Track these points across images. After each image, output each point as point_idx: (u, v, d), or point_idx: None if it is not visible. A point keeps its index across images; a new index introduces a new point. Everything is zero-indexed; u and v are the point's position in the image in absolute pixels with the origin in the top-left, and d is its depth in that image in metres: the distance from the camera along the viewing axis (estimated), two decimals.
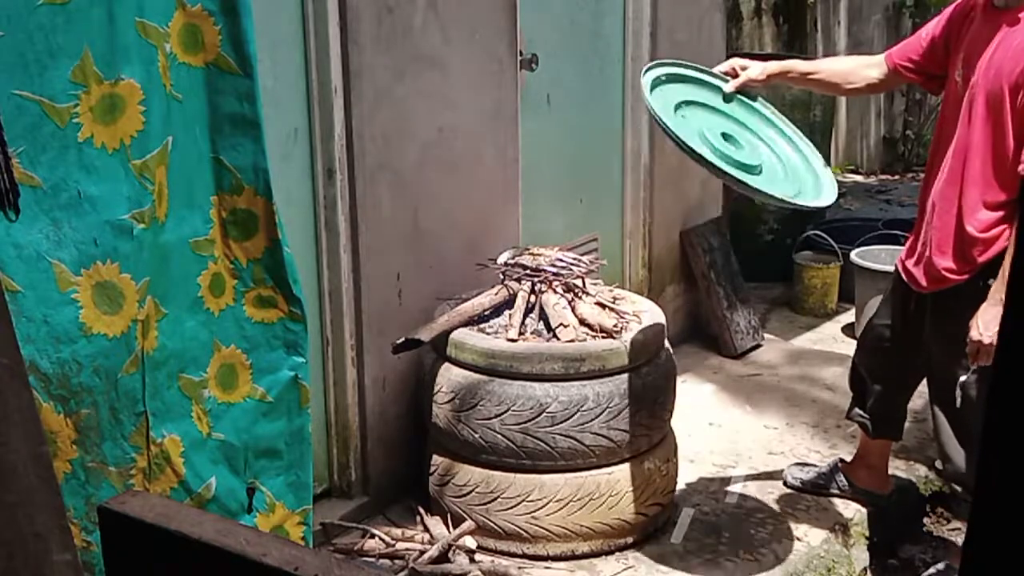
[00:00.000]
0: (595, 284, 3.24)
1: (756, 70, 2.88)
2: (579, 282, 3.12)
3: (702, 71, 2.93)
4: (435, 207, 3.23)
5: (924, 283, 2.75)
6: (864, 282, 4.62)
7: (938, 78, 2.80)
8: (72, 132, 1.91)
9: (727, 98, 2.89)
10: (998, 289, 2.52)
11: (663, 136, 2.76)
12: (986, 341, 2.52)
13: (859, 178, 8.09)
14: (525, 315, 3.00)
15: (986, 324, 2.52)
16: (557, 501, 2.88)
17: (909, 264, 2.82)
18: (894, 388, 3.10)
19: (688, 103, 2.82)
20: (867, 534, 3.23)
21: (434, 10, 3.09)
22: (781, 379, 4.30)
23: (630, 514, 2.96)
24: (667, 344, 3.14)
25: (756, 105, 2.93)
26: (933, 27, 2.82)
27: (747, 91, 2.90)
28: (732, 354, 4.49)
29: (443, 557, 2.78)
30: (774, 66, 2.93)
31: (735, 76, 2.88)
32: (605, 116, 4.14)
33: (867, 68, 2.96)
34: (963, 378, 2.68)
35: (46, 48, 1.86)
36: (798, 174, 2.79)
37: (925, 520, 3.48)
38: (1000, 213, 2.57)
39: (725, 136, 2.74)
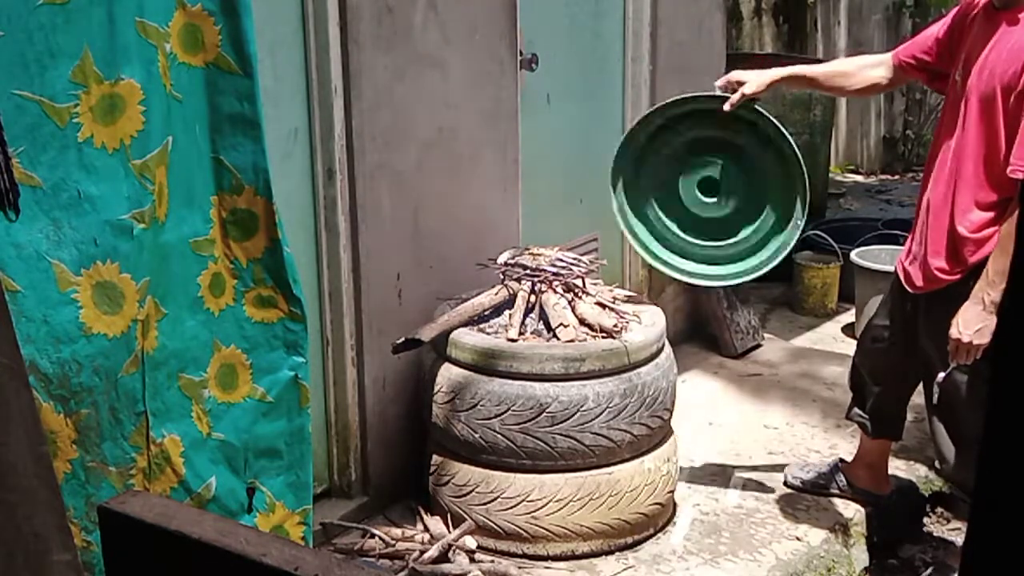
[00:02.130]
0: (595, 284, 3.24)
1: (752, 85, 2.88)
2: (579, 282, 3.12)
3: (698, 98, 3.03)
4: (435, 207, 3.23)
5: (919, 283, 2.76)
6: (864, 282, 4.62)
7: (943, 77, 2.80)
8: (72, 132, 1.91)
9: (726, 115, 2.92)
10: (980, 289, 2.53)
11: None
12: (965, 339, 2.53)
13: (859, 178, 8.09)
14: (525, 315, 3.00)
15: (966, 323, 2.53)
16: (557, 501, 2.88)
17: (907, 264, 2.83)
18: (893, 388, 3.10)
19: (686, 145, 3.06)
20: (867, 534, 3.23)
21: (434, 10, 3.09)
22: (781, 379, 4.30)
23: (630, 514, 2.96)
24: (667, 344, 3.14)
25: (759, 123, 2.96)
26: (939, 26, 2.82)
27: (748, 103, 2.92)
28: (732, 354, 4.49)
29: (443, 557, 2.78)
30: (775, 74, 2.94)
31: (733, 91, 2.90)
32: (605, 116, 4.14)
33: (873, 68, 2.97)
34: (940, 376, 2.69)
35: (46, 48, 1.86)
36: (771, 206, 3.02)
37: (925, 520, 3.48)
38: (992, 214, 2.58)
39: (704, 181, 3.05)
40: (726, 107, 2.89)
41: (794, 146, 2.92)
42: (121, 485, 2.08)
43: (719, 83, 2.97)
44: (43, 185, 1.90)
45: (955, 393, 2.72)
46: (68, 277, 1.94)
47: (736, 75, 2.92)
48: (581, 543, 2.94)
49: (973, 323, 2.52)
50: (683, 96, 3.07)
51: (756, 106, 2.94)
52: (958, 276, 2.64)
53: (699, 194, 3.09)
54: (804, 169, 2.92)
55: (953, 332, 2.56)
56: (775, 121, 2.95)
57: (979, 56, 2.57)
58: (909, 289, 2.81)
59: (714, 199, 3.07)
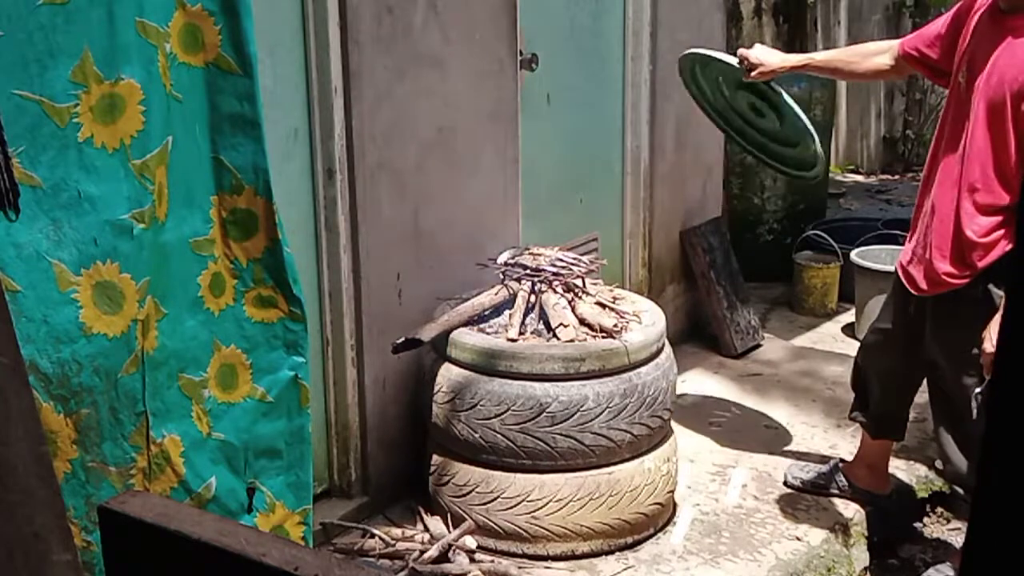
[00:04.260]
0: (595, 284, 3.24)
1: (772, 68, 3.04)
2: (579, 282, 3.12)
3: (722, 57, 3.22)
4: (435, 207, 3.23)
5: (924, 286, 2.74)
6: (864, 282, 4.62)
7: (945, 74, 2.80)
8: (72, 132, 1.91)
9: (742, 85, 3.18)
10: None
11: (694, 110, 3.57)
12: None
13: (859, 178, 8.08)
14: (525, 315, 3.00)
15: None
16: (557, 501, 2.88)
17: (909, 266, 2.82)
18: (896, 389, 3.10)
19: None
20: (867, 534, 3.23)
21: (434, 10, 3.09)
22: (781, 379, 4.30)
23: (630, 514, 2.96)
24: (667, 344, 3.13)
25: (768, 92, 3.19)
26: (942, 22, 2.81)
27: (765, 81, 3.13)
28: (732, 354, 4.49)
29: (443, 557, 2.78)
30: (792, 61, 3.08)
31: (752, 67, 3.06)
32: (605, 116, 4.14)
33: (879, 55, 3.01)
34: (977, 391, 2.67)
35: (46, 48, 1.86)
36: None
37: (925, 520, 3.48)
38: (999, 218, 2.57)
39: (752, 106, 3.28)
40: (753, 74, 3.07)
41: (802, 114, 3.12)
42: (121, 485, 2.08)
43: (739, 55, 3.11)
44: (43, 185, 1.90)
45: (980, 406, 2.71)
46: (68, 277, 1.94)
47: (758, 55, 3.04)
48: (581, 543, 2.94)
49: None
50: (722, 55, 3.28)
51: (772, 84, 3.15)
52: (965, 280, 2.63)
53: (752, 114, 3.34)
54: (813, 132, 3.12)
55: (987, 347, 2.53)
56: (787, 96, 3.15)
57: (986, 60, 2.55)
58: (912, 291, 2.80)
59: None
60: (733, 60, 3.11)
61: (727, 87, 3.33)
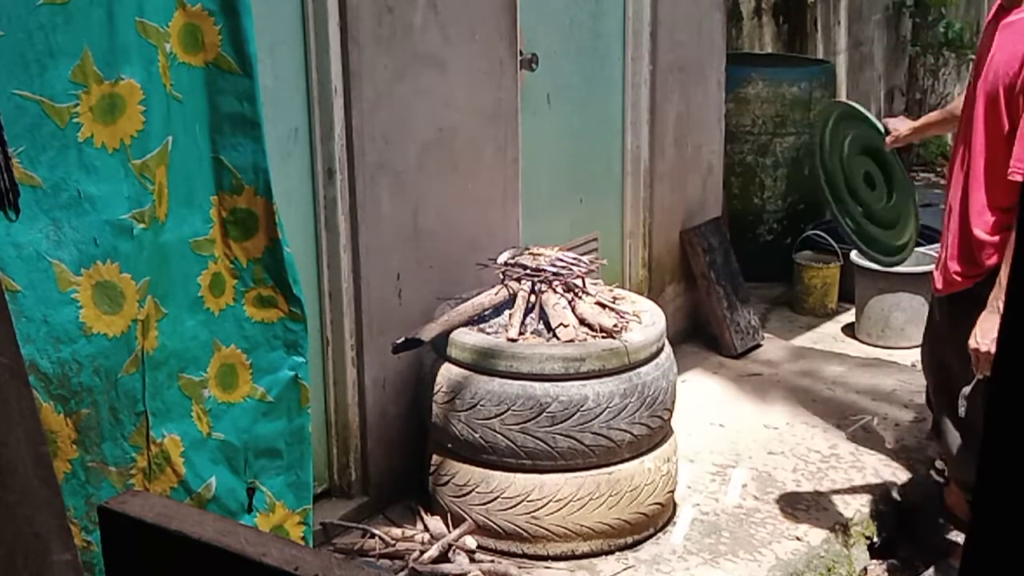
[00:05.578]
0: (595, 284, 3.24)
1: (905, 133, 3.22)
2: (579, 282, 3.12)
3: (871, 118, 3.46)
4: (435, 207, 3.23)
5: (939, 286, 2.75)
6: (864, 282, 4.62)
7: None
8: (72, 132, 1.92)
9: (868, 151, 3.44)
10: (996, 297, 2.50)
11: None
12: (983, 349, 2.50)
13: None
14: (525, 315, 3.00)
15: (984, 332, 2.50)
16: (557, 501, 2.88)
17: (933, 268, 2.85)
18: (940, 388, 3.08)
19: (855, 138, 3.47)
20: (867, 534, 3.23)
21: (434, 10, 3.09)
22: (781, 379, 4.30)
23: (630, 514, 2.96)
24: (667, 344, 3.13)
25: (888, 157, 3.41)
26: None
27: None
28: (732, 354, 4.49)
29: (443, 557, 2.78)
30: (919, 124, 3.25)
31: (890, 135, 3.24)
32: (605, 116, 4.14)
33: None
34: (965, 389, 2.66)
35: (46, 48, 1.86)
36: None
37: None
38: (1008, 217, 2.56)
39: (867, 175, 3.47)
40: (888, 140, 3.25)
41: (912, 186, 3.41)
42: (121, 485, 2.08)
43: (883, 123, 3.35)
44: (43, 185, 1.90)
45: (968, 404, 2.70)
46: (68, 277, 1.94)
47: (894, 123, 3.26)
48: (581, 543, 2.94)
49: (991, 332, 2.48)
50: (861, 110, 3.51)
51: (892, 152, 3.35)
52: (973, 280, 2.62)
53: (863, 183, 3.51)
54: (916, 203, 3.38)
55: (971, 343, 2.53)
56: (900, 163, 3.42)
57: (987, 58, 2.56)
58: (934, 292, 2.82)
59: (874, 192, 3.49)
60: (879, 124, 3.29)
61: (850, 149, 3.47)
